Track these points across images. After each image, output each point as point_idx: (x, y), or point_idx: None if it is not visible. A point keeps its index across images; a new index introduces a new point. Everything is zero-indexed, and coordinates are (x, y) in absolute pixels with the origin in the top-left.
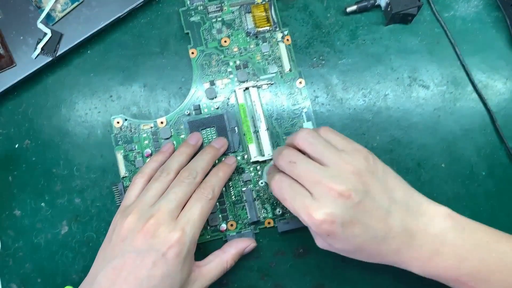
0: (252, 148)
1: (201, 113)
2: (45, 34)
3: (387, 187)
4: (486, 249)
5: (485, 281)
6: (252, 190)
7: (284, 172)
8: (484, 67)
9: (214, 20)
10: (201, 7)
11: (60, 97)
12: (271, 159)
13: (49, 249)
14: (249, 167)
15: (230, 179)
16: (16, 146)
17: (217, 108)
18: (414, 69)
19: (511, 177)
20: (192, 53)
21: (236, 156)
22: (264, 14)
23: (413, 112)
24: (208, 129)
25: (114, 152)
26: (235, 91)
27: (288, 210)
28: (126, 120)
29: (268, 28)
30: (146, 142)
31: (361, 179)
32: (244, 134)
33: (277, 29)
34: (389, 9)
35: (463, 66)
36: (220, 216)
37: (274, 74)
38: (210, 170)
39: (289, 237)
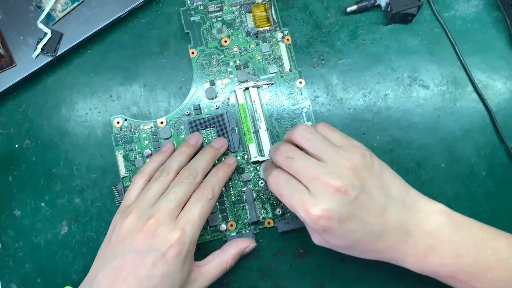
0: (252, 148)
1: (201, 113)
2: (45, 34)
3: (383, 183)
4: (482, 246)
5: (481, 277)
6: (252, 190)
7: (281, 168)
8: (484, 67)
9: (214, 20)
10: (201, 6)
11: (60, 97)
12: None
13: (49, 249)
14: (249, 167)
15: (230, 179)
16: (16, 146)
17: (217, 108)
18: (414, 69)
19: (511, 177)
20: (192, 53)
21: (236, 156)
22: (264, 14)
23: (413, 112)
24: (208, 129)
25: (114, 152)
26: (235, 91)
27: (288, 210)
28: (126, 120)
29: (268, 28)
30: (146, 142)
31: (358, 175)
32: (244, 134)
33: (277, 29)
34: (389, 9)
35: (463, 66)
36: (220, 216)
37: (274, 74)
38: (210, 170)
39: (289, 237)
